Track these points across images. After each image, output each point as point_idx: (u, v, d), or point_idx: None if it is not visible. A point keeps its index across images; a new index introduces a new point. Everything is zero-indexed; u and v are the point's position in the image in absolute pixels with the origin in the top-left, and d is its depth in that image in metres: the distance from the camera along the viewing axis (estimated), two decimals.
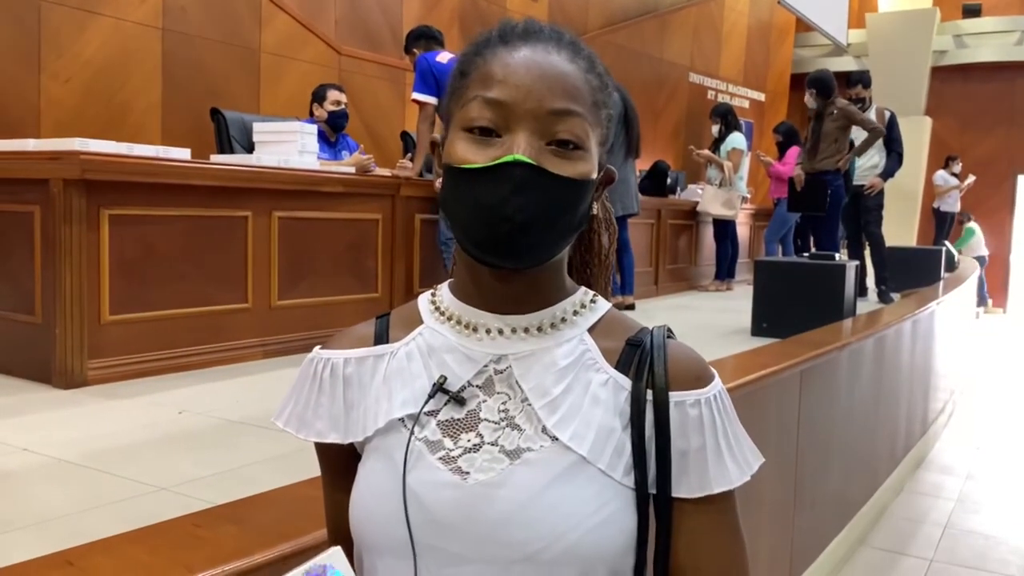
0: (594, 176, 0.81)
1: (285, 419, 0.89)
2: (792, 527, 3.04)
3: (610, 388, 0.81)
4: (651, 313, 5.55)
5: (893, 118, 6.17)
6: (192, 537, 1.21)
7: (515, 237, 0.76)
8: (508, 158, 0.75)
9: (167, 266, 3.25)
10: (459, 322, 0.84)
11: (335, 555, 0.75)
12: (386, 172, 4.60)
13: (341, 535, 0.90)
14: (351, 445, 0.87)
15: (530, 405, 0.80)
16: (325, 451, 0.90)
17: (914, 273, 6.72)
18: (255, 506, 1.37)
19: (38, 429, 2.48)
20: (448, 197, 0.81)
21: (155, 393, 2.92)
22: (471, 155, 0.77)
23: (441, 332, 0.85)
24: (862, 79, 6.14)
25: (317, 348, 0.90)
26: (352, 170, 4.38)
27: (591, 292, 0.88)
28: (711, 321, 5.37)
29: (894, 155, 6.12)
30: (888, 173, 6.07)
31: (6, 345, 3.13)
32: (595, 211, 0.86)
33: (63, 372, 2.93)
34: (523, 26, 0.82)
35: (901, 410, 4.73)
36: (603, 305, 0.87)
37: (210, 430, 2.52)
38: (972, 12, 13.38)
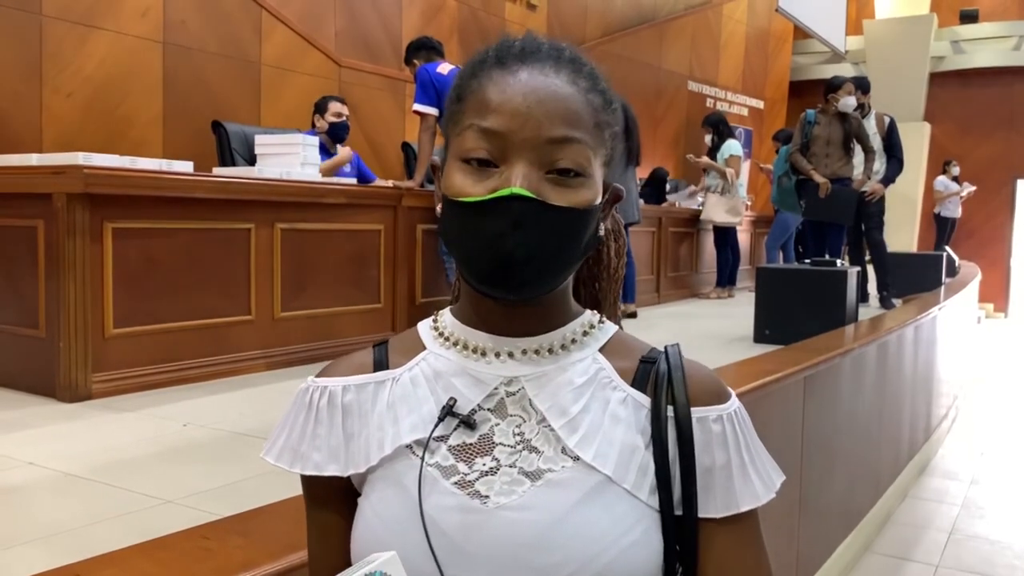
0: (597, 201, 0.78)
1: (277, 453, 0.85)
2: (797, 534, 3.04)
3: (629, 406, 0.79)
4: (653, 321, 5.56)
5: (893, 124, 6.18)
6: (200, 549, 1.21)
7: (516, 271, 0.74)
8: (504, 192, 0.72)
9: (170, 279, 3.26)
10: (465, 347, 0.82)
11: (392, 562, 0.70)
12: (387, 183, 4.62)
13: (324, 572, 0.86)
14: (346, 477, 0.83)
15: (548, 426, 0.78)
16: (314, 483, 0.85)
17: (915, 278, 6.72)
18: (262, 518, 1.37)
19: (43, 443, 2.49)
20: (447, 228, 0.79)
21: (159, 406, 2.93)
22: (468, 187, 0.75)
23: (446, 356, 0.82)
24: (860, 84, 6.15)
25: (311, 377, 0.86)
26: (354, 180, 4.40)
27: (598, 314, 0.86)
28: (713, 328, 5.37)
29: (894, 161, 6.12)
30: (889, 179, 6.07)
31: (10, 359, 3.13)
32: (607, 225, 0.84)
33: (67, 386, 2.94)
34: (521, 45, 0.79)
35: (904, 416, 4.73)
36: (611, 327, 0.85)
37: (215, 442, 2.52)
38: (969, 18, 13.41)
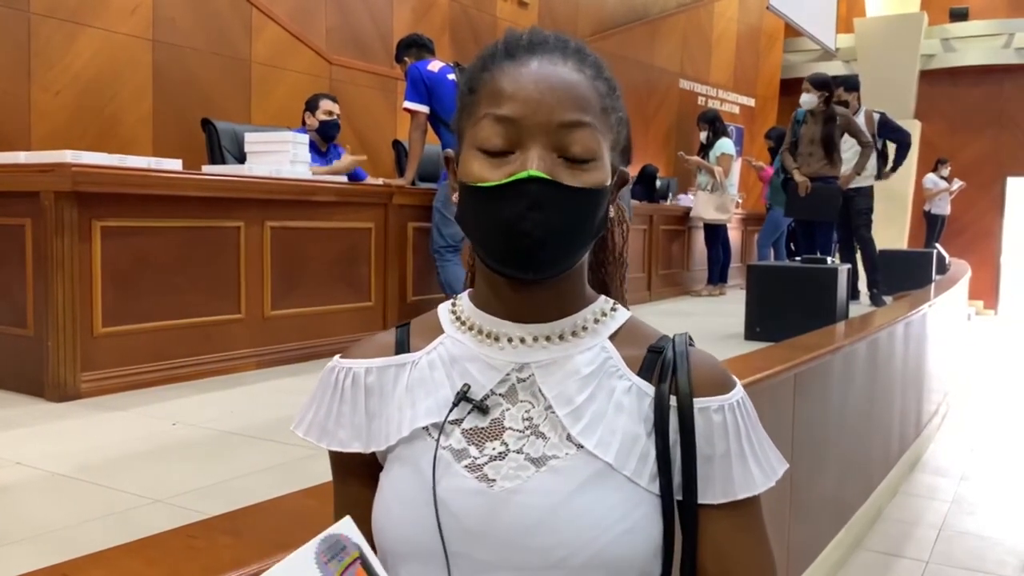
0: (608, 183, 0.82)
1: (305, 428, 0.90)
2: (788, 531, 3.04)
3: (633, 395, 0.82)
4: (644, 319, 5.54)
5: (883, 117, 6.21)
6: (188, 548, 1.21)
7: (534, 251, 0.77)
8: (522, 174, 0.76)
9: (160, 277, 3.24)
10: (480, 331, 0.85)
11: (346, 525, 0.74)
12: (378, 181, 4.61)
13: None
14: (371, 453, 0.87)
15: (554, 413, 0.81)
16: (340, 458, 0.90)
17: (905, 276, 6.75)
18: (251, 516, 1.37)
19: (31, 442, 2.48)
20: (466, 214, 0.82)
21: (149, 405, 2.92)
22: (486, 173, 0.78)
23: (462, 341, 0.86)
24: (846, 82, 6.17)
25: (337, 357, 0.90)
26: (345, 177, 4.38)
27: (611, 300, 0.89)
28: (704, 326, 5.38)
29: (900, 146, 6.24)
30: (898, 163, 6.17)
31: None
32: (611, 212, 0.87)
33: (56, 385, 2.92)
34: (528, 37, 0.83)
35: (895, 412, 4.74)
36: (623, 313, 0.88)
37: (204, 441, 2.51)
38: (959, 16, 13.47)
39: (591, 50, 0.84)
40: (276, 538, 1.22)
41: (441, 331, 0.88)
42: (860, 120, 6.07)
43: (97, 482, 2.07)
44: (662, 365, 0.82)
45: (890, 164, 6.19)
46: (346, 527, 0.73)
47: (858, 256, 6.25)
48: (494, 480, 0.79)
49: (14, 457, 2.26)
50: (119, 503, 1.92)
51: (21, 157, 3.15)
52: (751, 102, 12.57)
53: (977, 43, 13.27)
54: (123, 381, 3.09)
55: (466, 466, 0.80)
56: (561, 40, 0.83)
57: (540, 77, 0.78)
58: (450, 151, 0.88)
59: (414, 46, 4.79)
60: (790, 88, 13.11)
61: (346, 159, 4.64)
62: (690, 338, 0.86)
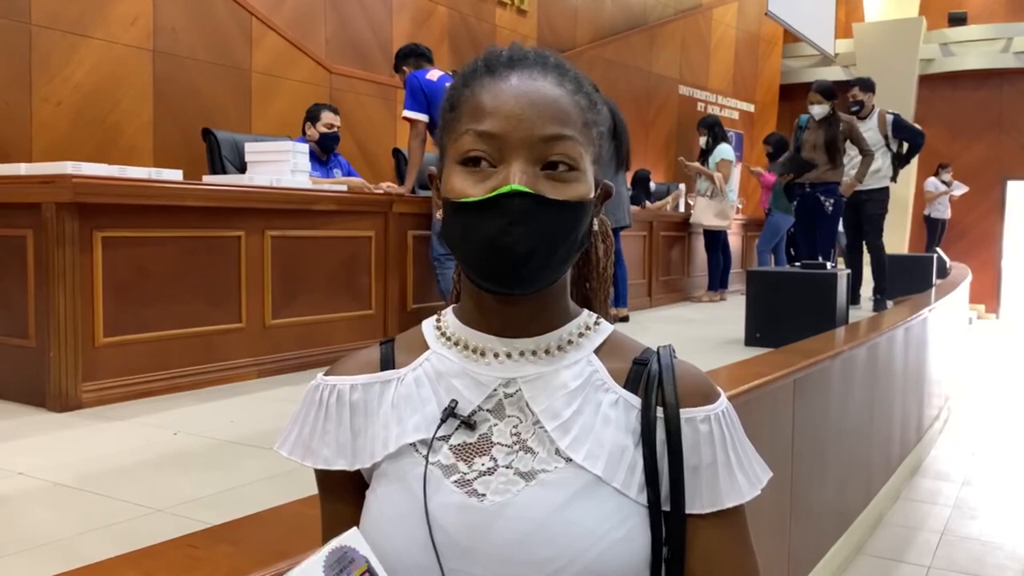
0: (591, 196, 0.83)
1: (290, 447, 0.89)
2: (789, 537, 3.04)
3: (620, 407, 0.82)
4: (645, 324, 5.57)
5: (896, 118, 6.19)
6: (189, 558, 1.21)
7: (517, 266, 0.78)
8: (505, 189, 0.76)
9: (160, 287, 3.25)
10: (466, 347, 0.85)
11: (353, 536, 0.73)
12: (378, 189, 4.62)
13: None
14: (356, 471, 0.87)
15: (542, 428, 0.81)
16: (326, 475, 0.89)
17: (906, 280, 6.75)
18: (251, 526, 1.37)
19: (33, 453, 2.48)
20: (449, 230, 0.82)
21: (150, 414, 2.92)
22: (468, 188, 0.78)
23: (448, 357, 0.86)
24: (861, 82, 6.17)
25: (320, 374, 0.90)
26: (345, 187, 4.40)
27: (595, 315, 0.89)
28: (705, 332, 5.38)
29: (912, 147, 6.24)
30: (904, 163, 6.19)
31: (0, 369, 3.12)
32: (593, 226, 0.87)
33: (57, 395, 2.93)
34: (508, 53, 0.83)
35: (895, 417, 4.74)
36: (606, 327, 0.89)
37: (205, 451, 2.52)
38: (958, 20, 13.49)
39: (571, 65, 0.85)
40: (276, 547, 1.23)
41: (426, 347, 0.88)
42: (873, 121, 6.05)
43: (98, 492, 2.07)
44: (648, 377, 0.83)
45: (880, 172, 6.17)
46: (353, 539, 0.73)
47: (865, 261, 6.24)
48: (484, 495, 0.79)
49: (16, 467, 2.26)
50: (120, 513, 1.92)
51: (22, 169, 3.16)
52: (750, 108, 12.58)
53: (976, 47, 13.29)
54: (124, 391, 3.09)
55: (455, 481, 0.80)
56: (541, 56, 0.83)
57: (520, 92, 0.79)
58: (433, 168, 0.88)
59: (413, 55, 4.81)
60: (789, 94, 13.16)
61: (354, 181, 4.65)
62: (673, 350, 0.87)
